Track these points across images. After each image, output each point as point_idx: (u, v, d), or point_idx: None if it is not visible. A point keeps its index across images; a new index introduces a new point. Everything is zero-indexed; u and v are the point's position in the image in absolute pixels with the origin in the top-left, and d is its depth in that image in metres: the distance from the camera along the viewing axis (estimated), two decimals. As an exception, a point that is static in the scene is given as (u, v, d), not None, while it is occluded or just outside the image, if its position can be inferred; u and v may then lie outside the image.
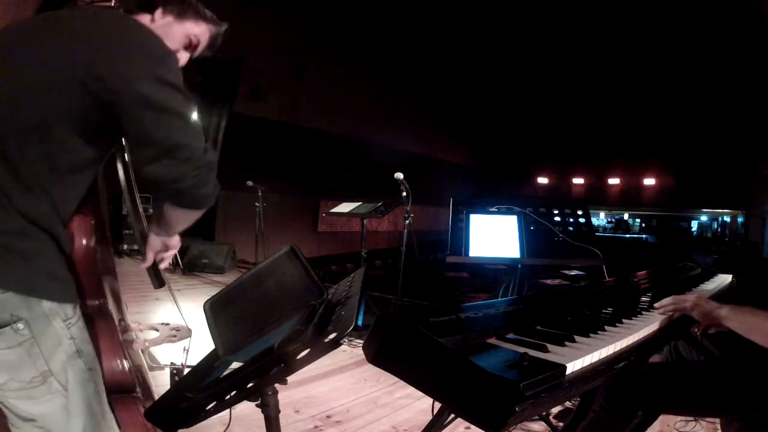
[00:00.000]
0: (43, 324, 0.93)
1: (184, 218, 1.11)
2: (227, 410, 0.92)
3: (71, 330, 0.97)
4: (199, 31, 1.20)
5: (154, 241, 1.22)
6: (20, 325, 0.90)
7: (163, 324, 1.68)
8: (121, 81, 0.93)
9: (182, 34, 1.17)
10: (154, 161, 0.94)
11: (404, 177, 3.43)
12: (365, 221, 4.11)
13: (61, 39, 0.96)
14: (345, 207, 4.38)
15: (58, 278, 0.96)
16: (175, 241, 1.24)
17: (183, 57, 1.19)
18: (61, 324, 0.95)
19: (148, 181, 0.98)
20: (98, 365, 1.06)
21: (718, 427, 1.71)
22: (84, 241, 1.14)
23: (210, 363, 1.04)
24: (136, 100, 0.93)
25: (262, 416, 0.96)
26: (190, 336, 1.61)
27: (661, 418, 1.80)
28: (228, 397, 0.87)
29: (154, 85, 0.94)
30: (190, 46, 1.20)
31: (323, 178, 9.62)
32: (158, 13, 1.15)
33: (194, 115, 1.01)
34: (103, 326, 1.21)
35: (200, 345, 1.45)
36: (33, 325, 0.92)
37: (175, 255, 6.72)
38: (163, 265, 1.28)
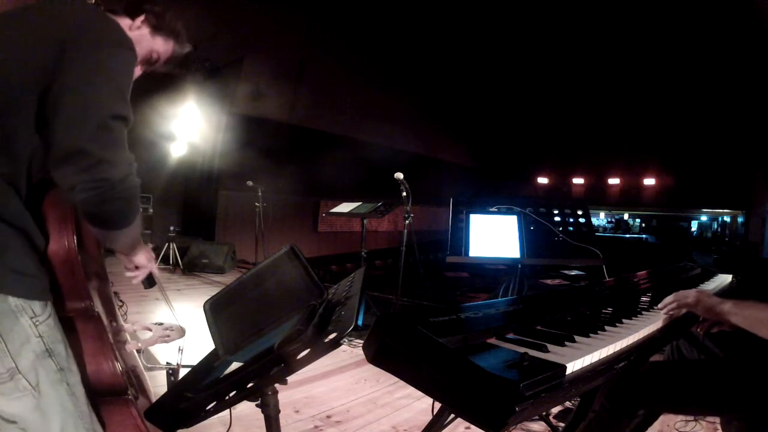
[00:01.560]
0: (10, 321, 0.91)
1: (99, 235, 1.05)
2: (228, 411, 0.92)
3: (39, 328, 0.95)
4: (164, 49, 1.22)
5: (119, 256, 1.20)
6: None
7: (156, 324, 1.68)
8: (73, 55, 0.89)
9: (149, 49, 1.19)
10: (56, 164, 0.88)
11: (404, 177, 3.43)
12: (365, 221, 4.11)
13: (27, 24, 0.95)
14: (345, 207, 4.38)
15: (25, 274, 0.93)
16: (140, 260, 1.20)
17: (137, 70, 1.18)
18: (28, 321, 0.93)
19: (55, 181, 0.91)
20: (74, 366, 1.04)
21: (718, 427, 1.71)
22: (65, 243, 1.10)
23: (210, 363, 1.04)
24: (69, 78, 0.88)
25: (262, 416, 0.96)
26: (183, 335, 1.61)
27: (661, 418, 1.80)
28: (228, 397, 0.87)
29: (94, 74, 0.89)
30: (149, 62, 1.21)
31: (323, 178, 9.61)
32: (138, 20, 1.16)
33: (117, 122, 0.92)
34: (89, 328, 1.19)
35: (196, 344, 1.46)
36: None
37: (175, 254, 6.69)
38: (135, 281, 1.24)
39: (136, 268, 1.22)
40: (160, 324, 1.68)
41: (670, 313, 1.34)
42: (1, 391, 0.93)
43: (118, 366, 1.21)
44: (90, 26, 0.97)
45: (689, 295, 1.33)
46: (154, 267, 1.25)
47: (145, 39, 1.17)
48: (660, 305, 1.37)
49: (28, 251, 0.96)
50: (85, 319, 1.18)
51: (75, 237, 1.11)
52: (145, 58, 1.20)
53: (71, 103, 0.87)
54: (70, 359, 1.03)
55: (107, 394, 1.17)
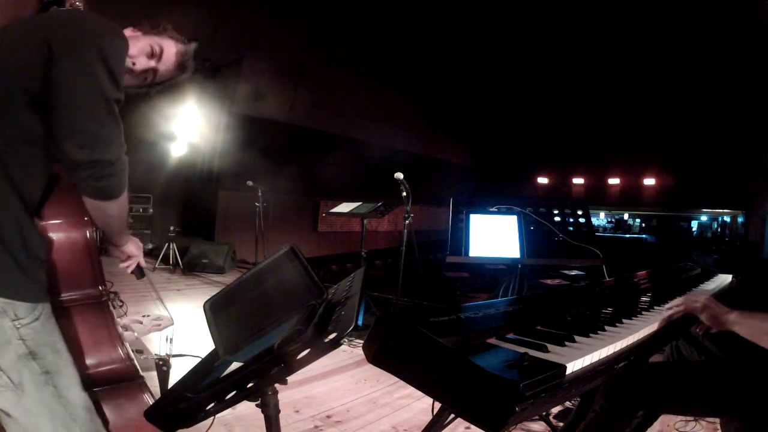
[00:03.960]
0: None
1: (95, 209, 1.10)
2: (225, 411, 0.92)
3: (20, 330, 0.95)
4: (164, 43, 1.27)
5: (113, 250, 1.28)
6: None
7: (145, 316, 1.72)
8: (65, 48, 0.94)
9: (146, 44, 1.23)
10: (60, 140, 0.95)
11: (404, 177, 3.43)
12: (365, 221, 4.11)
13: (28, 24, 1.01)
14: (345, 207, 4.38)
15: (6, 273, 0.94)
16: (130, 249, 1.29)
17: (143, 62, 1.22)
18: (8, 323, 0.94)
19: (58, 160, 0.98)
20: (66, 369, 1.04)
21: (718, 427, 1.71)
22: (85, 233, 1.17)
23: (210, 363, 1.04)
24: (66, 69, 0.94)
25: (262, 416, 0.96)
26: (172, 324, 1.64)
27: (661, 418, 1.80)
28: (228, 397, 0.87)
29: (89, 62, 0.95)
30: (152, 55, 1.25)
31: (323, 178, 9.61)
32: (128, 30, 1.22)
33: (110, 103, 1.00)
34: (103, 315, 1.23)
35: (196, 343, 1.46)
36: None
37: (175, 254, 6.72)
38: (128, 270, 1.32)
39: (128, 258, 1.31)
40: (148, 316, 1.72)
41: (674, 312, 1.34)
42: None
43: (123, 351, 1.24)
44: (74, 20, 1.03)
45: (698, 300, 1.33)
46: (141, 257, 1.34)
47: (141, 39, 1.22)
48: (667, 306, 1.37)
49: (16, 251, 0.96)
50: (99, 306, 1.22)
51: (94, 228, 1.15)
52: (148, 53, 1.23)
53: (71, 87, 0.94)
54: (61, 362, 1.03)
55: (121, 380, 1.18)
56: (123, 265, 1.31)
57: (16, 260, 0.96)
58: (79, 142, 0.94)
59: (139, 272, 1.35)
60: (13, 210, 0.98)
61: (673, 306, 1.35)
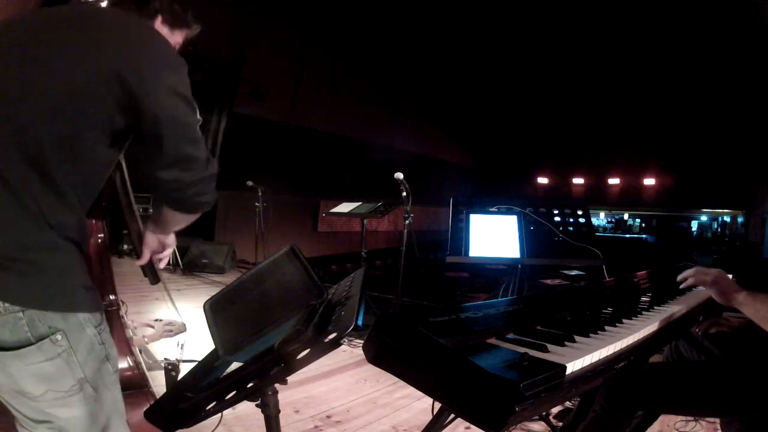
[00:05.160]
0: (79, 333, 0.94)
1: (181, 220, 1.14)
2: (222, 413, 0.92)
3: (102, 336, 0.99)
4: (181, 39, 1.29)
5: (151, 239, 1.25)
6: (59, 336, 0.91)
7: (157, 320, 1.70)
8: (146, 87, 0.96)
9: (174, 45, 1.23)
10: (162, 168, 0.99)
11: (404, 177, 3.43)
12: (365, 221, 4.11)
13: (89, 40, 0.96)
14: (345, 207, 4.38)
15: (87, 289, 0.98)
16: (171, 240, 1.28)
17: None
18: (93, 331, 0.97)
19: (154, 185, 1.02)
20: (118, 365, 1.08)
21: (718, 427, 1.71)
22: (98, 239, 1.18)
23: (210, 363, 1.04)
24: (156, 108, 0.96)
25: (262, 416, 0.96)
26: (185, 330, 1.62)
27: (661, 418, 1.80)
28: (228, 397, 0.87)
29: (173, 97, 0.99)
30: None
31: (323, 178, 9.61)
32: (158, 22, 1.19)
33: (198, 126, 1.06)
34: (113, 322, 1.23)
35: (196, 343, 1.45)
36: (70, 335, 0.92)
37: (175, 254, 6.71)
38: (162, 265, 1.31)
39: (165, 248, 1.29)
40: (160, 320, 1.70)
41: (686, 284, 1.32)
42: (66, 403, 0.94)
43: (132, 360, 1.24)
44: (153, 43, 1.04)
45: (710, 273, 1.30)
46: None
47: (168, 38, 1.21)
48: (679, 277, 1.35)
49: (85, 264, 0.99)
50: (110, 313, 1.21)
51: (104, 234, 1.15)
52: None
53: (170, 117, 0.98)
54: (117, 359, 1.07)
55: (126, 388, 1.18)
56: (159, 256, 1.29)
57: (87, 274, 0.99)
58: (184, 166, 0.99)
59: (153, 277, 1.32)
60: (84, 230, 1.00)
61: (684, 277, 1.33)
